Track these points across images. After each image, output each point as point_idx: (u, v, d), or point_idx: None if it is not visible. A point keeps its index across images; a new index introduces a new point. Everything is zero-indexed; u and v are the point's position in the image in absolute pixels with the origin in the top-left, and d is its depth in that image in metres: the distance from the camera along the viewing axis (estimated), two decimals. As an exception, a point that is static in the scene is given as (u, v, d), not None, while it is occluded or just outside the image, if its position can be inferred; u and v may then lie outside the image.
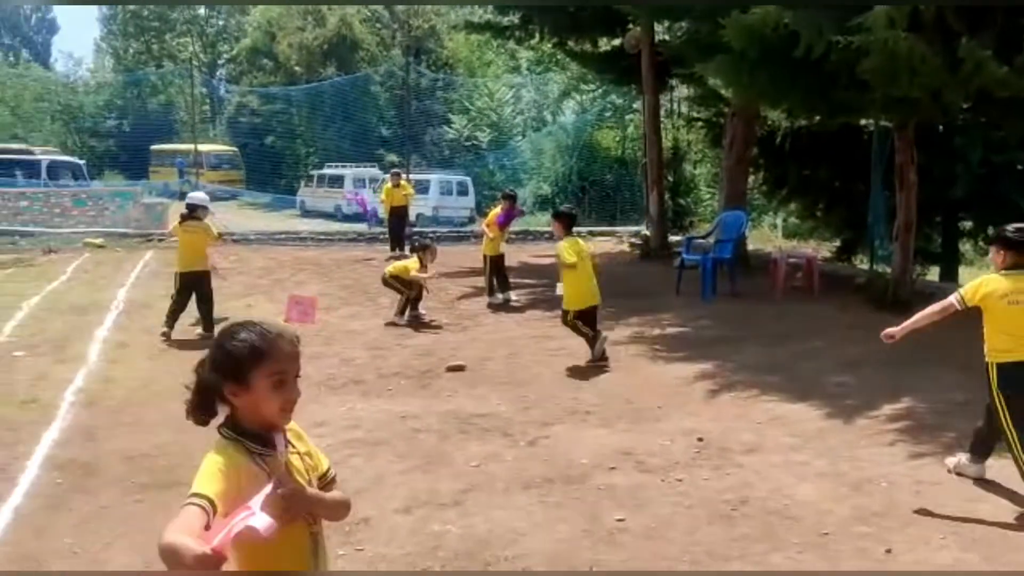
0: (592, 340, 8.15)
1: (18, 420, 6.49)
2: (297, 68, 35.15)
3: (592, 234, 20.98)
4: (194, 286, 9.31)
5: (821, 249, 17.53)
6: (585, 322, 8.19)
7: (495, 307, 11.29)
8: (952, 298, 5.11)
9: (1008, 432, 4.85)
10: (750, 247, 16.30)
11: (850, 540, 4.46)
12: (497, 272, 11.69)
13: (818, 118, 12.52)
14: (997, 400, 4.92)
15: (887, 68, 8.13)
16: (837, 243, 17.49)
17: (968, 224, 16.50)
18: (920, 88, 8.49)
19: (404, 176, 18.65)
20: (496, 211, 12.06)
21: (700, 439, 5.98)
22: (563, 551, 4.37)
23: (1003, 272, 5.03)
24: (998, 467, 5.43)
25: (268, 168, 31.91)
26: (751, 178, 16.42)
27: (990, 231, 16.46)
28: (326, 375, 7.82)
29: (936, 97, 8.80)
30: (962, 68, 8.03)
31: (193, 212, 9.60)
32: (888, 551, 4.33)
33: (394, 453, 5.73)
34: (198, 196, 10.10)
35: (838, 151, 14.34)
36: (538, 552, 4.35)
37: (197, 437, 5.97)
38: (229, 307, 11.01)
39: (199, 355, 6.82)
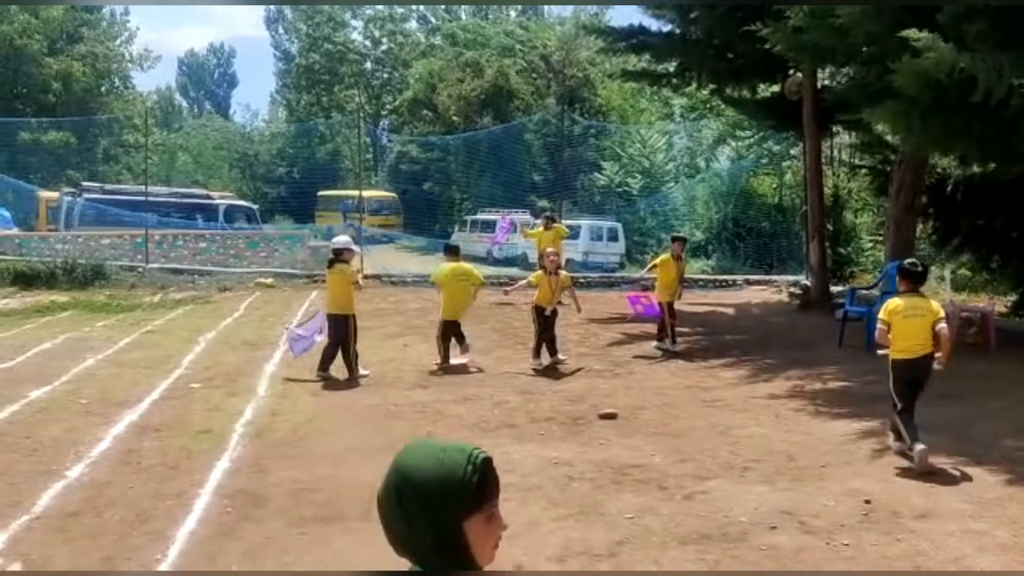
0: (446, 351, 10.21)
1: (193, 449, 6.89)
2: (455, 118, 36.26)
3: (748, 282, 20.52)
4: (336, 327, 9.51)
5: (996, 303, 16.48)
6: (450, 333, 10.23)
7: (661, 354, 11.10)
8: (880, 326, 6.80)
9: (895, 400, 6.77)
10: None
11: (1040, 621, 4.12)
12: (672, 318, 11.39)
13: (994, 165, 11.86)
14: (895, 390, 6.80)
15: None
16: (1014, 297, 16.39)
17: None
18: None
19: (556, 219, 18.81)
20: (666, 256, 11.59)
21: (867, 501, 5.68)
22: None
23: (901, 294, 6.85)
24: None
25: (425, 213, 32.93)
26: (919, 228, 15.65)
27: None
28: (479, 417, 7.92)
29: None
30: None
31: (340, 255, 9.81)
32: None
33: (548, 500, 5.72)
34: (341, 240, 10.32)
35: (1016, 200, 13.50)
36: (696, 611, 4.23)
37: (354, 472, 6.20)
38: (386, 346, 11.40)
39: (359, 392, 7.07)
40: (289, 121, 52.06)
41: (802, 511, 5.49)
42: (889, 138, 14.08)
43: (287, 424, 7.69)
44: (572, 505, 5.63)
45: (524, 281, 11.19)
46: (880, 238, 20.56)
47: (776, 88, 16.22)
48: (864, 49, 10.43)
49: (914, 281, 6.80)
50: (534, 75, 38.64)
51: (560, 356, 10.17)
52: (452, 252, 11.05)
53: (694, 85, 17.17)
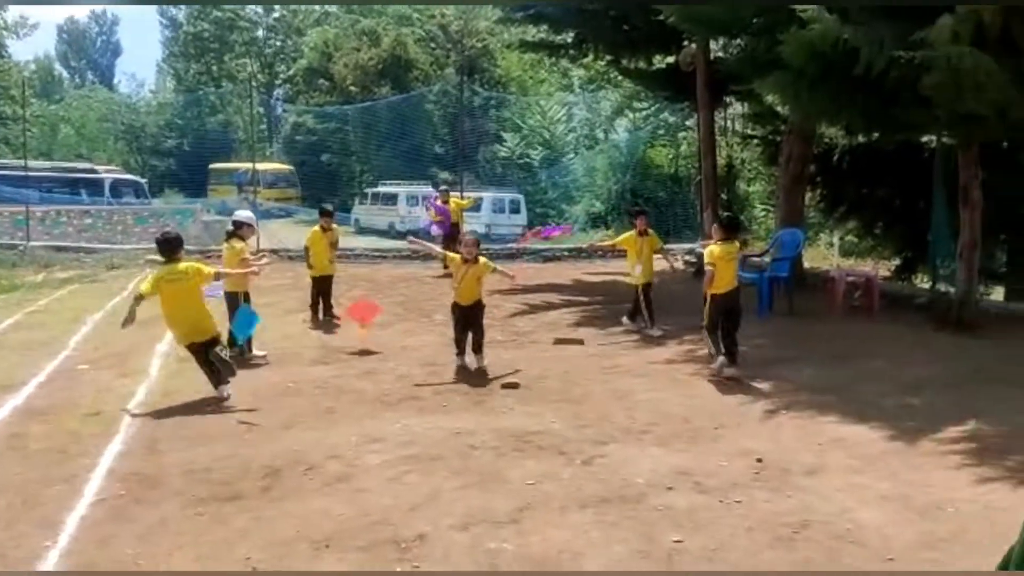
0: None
1: (82, 432, 6.63)
2: (352, 88, 35.64)
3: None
4: (229, 305, 9.24)
5: (880, 268, 17.21)
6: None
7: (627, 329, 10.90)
8: (708, 268, 8.26)
9: (709, 327, 8.42)
10: (806, 265, 16.05)
11: (916, 566, 4.35)
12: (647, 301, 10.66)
13: (877, 135, 12.33)
14: (710, 316, 8.39)
15: (951, 84, 7.98)
16: (897, 262, 17.16)
17: (1034, 242, 16.07)
18: (986, 104, 8.32)
19: (456, 192, 18.74)
20: (629, 234, 10.80)
21: (759, 460, 5.88)
22: (620, 572, 4.32)
23: (719, 242, 8.40)
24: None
25: (323, 186, 32.36)
26: (808, 196, 16.19)
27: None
28: (381, 391, 7.86)
29: (1002, 113, 8.60)
30: (1029, 83, 7.86)
31: (237, 230, 9.39)
32: (957, 578, 4.21)
33: (450, 470, 5.73)
34: (242, 214, 9.93)
35: (898, 168, 14.10)
36: (595, 572, 4.31)
37: (253, 451, 6.08)
38: (285, 322, 11.19)
39: (257, 370, 6.93)
40: (177, 91, 50.28)
41: (697, 471, 5.65)
42: (779, 109, 14.48)
43: (182, 404, 7.47)
44: (474, 474, 5.66)
45: (439, 252, 10.53)
46: (772, 206, 21.24)
47: (671, 60, 16.46)
48: (754, 21, 10.67)
49: (729, 231, 8.53)
50: (433, 45, 38.27)
51: (484, 360, 8.81)
52: (325, 215, 11.75)
53: (591, 56, 17.27)
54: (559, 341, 10.14)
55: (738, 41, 13.10)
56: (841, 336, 10.24)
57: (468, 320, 8.86)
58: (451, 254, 9.21)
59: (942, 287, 12.24)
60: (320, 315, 11.36)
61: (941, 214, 12.13)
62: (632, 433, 6.59)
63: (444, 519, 4.92)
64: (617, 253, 20.67)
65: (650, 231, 10.65)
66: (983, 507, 5.11)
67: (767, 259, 12.38)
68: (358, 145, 34.22)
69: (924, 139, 13.33)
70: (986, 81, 7.90)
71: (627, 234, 10.83)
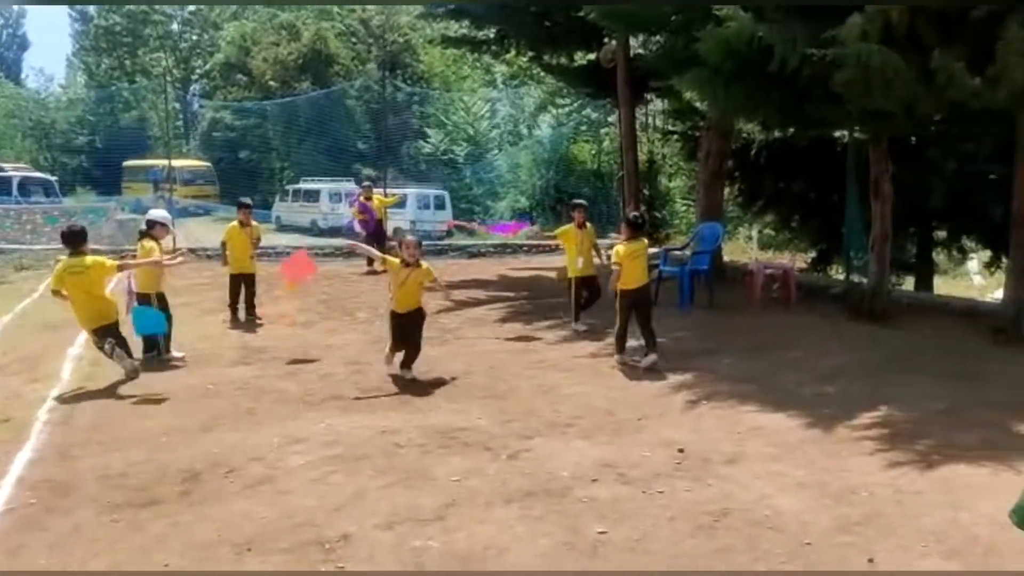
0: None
1: (-10, 440, 6.38)
2: (272, 83, 35.02)
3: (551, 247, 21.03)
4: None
5: (797, 260, 17.67)
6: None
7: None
8: (614, 267, 8.57)
9: (621, 323, 8.71)
10: (726, 259, 16.39)
11: (833, 550, 4.47)
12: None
13: (792, 131, 12.63)
14: (622, 312, 8.66)
15: (861, 81, 8.21)
16: (813, 254, 17.66)
17: (942, 234, 16.71)
18: (894, 101, 8.59)
19: (380, 189, 18.59)
20: (568, 226, 10.63)
21: (681, 450, 5.98)
22: (545, 565, 4.34)
23: (625, 241, 8.65)
24: (979, 476, 5.49)
25: (242, 183, 31.67)
26: (727, 190, 16.53)
27: (964, 241, 16.74)
28: (305, 391, 7.75)
29: (910, 110, 8.89)
30: (935, 80, 8.13)
31: (150, 229, 9.03)
32: (871, 560, 4.34)
33: (374, 469, 5.68)
34: (157, 213, 9.52)
35: (813, 163, 14.50)
36: (520, 566, 4.32)
37: (170, 455, 5.93)
38: (204, 322, 10.94)
39: (169, 375, 6.78)
40: (89, 86, 48.66)
41: (621, 463, 5.71)
42: (697, 105, 14.73)
43: (95, 409, 7.24)
44: (400, 472, 5.61)
45: (379, 254, 9.15)
46: (692, 201, 21.61)
47: (592, 56, 16.59)
48: (672, 18, 10.81)
49: (635, 229, 8.74)
50: (354, 39, 37.84)
51: (411, 374, 8.12)
52: (243, 209, 11.55)
53: (513, 52, 17.31)
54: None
55: (657, 38, 13.27)
56: (760, 327, 10.47)
57: (406, 330, 8.16)
58: (390, 258, 8.48)
59: (856, 278, 12.61)
60: (241, 315, 11.12)
61: (854, 207, 12.50)
62: (557, 427, 6.63)
63: (369, 518, 4.88)
64: (544, 249, 20.85)
65: (588, 224, 10.56)
66: (895, 491, 5.28)
67: (688, 253, 12.59)
68: (278, 141, 33.65)
69: (837, 134, 13.72)
70: (894, 78, 8.15)
71: (567, 227, 10.70)
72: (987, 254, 17.65)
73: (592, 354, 9.23)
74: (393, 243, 19.26)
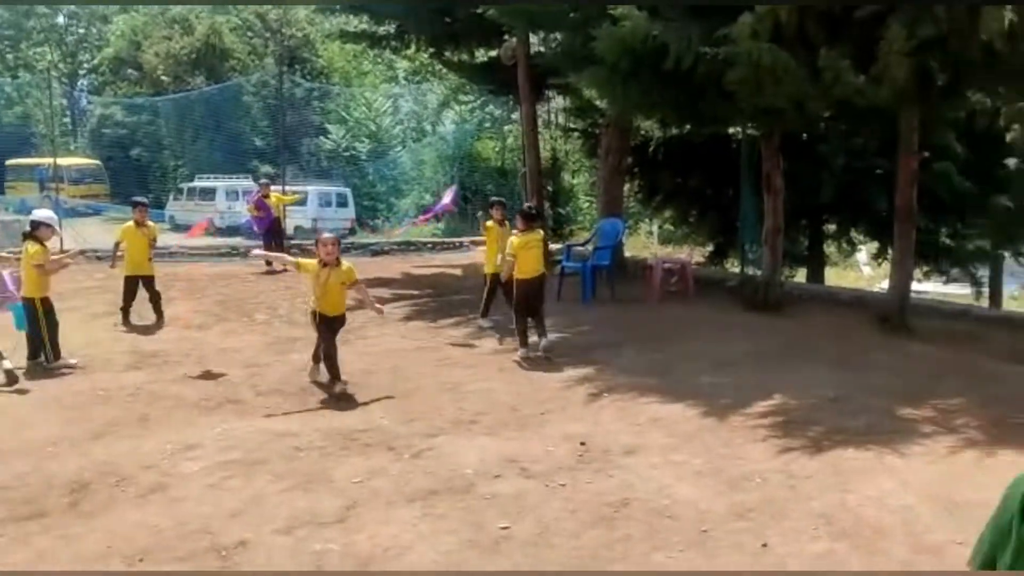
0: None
1: None
2: (164, 78, 33.92)
3: (475, 243, 21.04)
4: (26, 312, 8.47)
5: (695, 254, 18.07)
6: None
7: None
8: (508, 258, 8.85)
9: (517, 311, 8.92)
10: (628, 254, 16.65)
11: (728, 536, 4.58)
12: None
13: (689, 127, 12.91)
14: (517, 300, 8.86)
15: (752, 79, 8.44)
16: (710, 248, 18.08)
17: (832, 227, 17.34)
18: (784, 98, 8.86)
19: (279, 187, 18.21)
20: (489, 223, 10.73)
21: (583, 443, 6.04)
22: (447, 563, 4.33)
23: (520, 232, 8.81)
24: (865, 460, 5.71)
25: (134, 181, 30.60)
26: (627, 186, 16.78)
27: (853, 233, 17.42)
28: (200, 396, 7.53)
29: (799, 106, 9.19)
30: (822, 78, 8.42)
31: (34, 231, 8.62)
32: (764, 545, 4.47)
33: (273, 473, 5.56)
34: (41, 213, 9.12)
35: (709, 159, 14.84)
36: (422, 566, 4.30)
37: (59, 465, 5.68)
38: (94, 327, 10.52)
39: (57, 382, 6.46)
40: (-32, 82, 46.21)
41: (524, 458, 5.74)
42: (597, 102, 14.91)
43: (-25, 419, 6.89)
44: (299, 475, 5.51)
45: (291, 260, 8.51)
46: (595, 197, 21.85)
47: (494, 53, 16.60)
48: (570, 16, 10.91)
49: (529, 221, 8.90)
50: (250, 33, 36.96)
51: (344, 384, 7.54)
52: (139, 208, 11.09)
53: (413, 48, 17.17)
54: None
55: (556, 36, 13.37)
56: (659, 320, 10.66)
57: (332, 334, 7.67)
58: (304, 261, 7.87)
59: (750, 270, 12.98)
60: (135, 318, 10.71)
61: (748, 202, 12.86)
62: (461, 424, 6.62)
63: (267, 524, 4.78)
64: (447, 246, 20.82)
65: (507, 222, 10.53)
66: (787, 476, 5.46)
67: (590, 248, 12.74)
68: (172, 138, 32.58)
69: (732, 131, 14.09)
70: (783, 76, 8.40)
71: (490, 223, 10.78)
72: (875, 246, 18.41)
73: (496, 350, 9.25)
74: (294, 242, 18.96)
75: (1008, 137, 13.13)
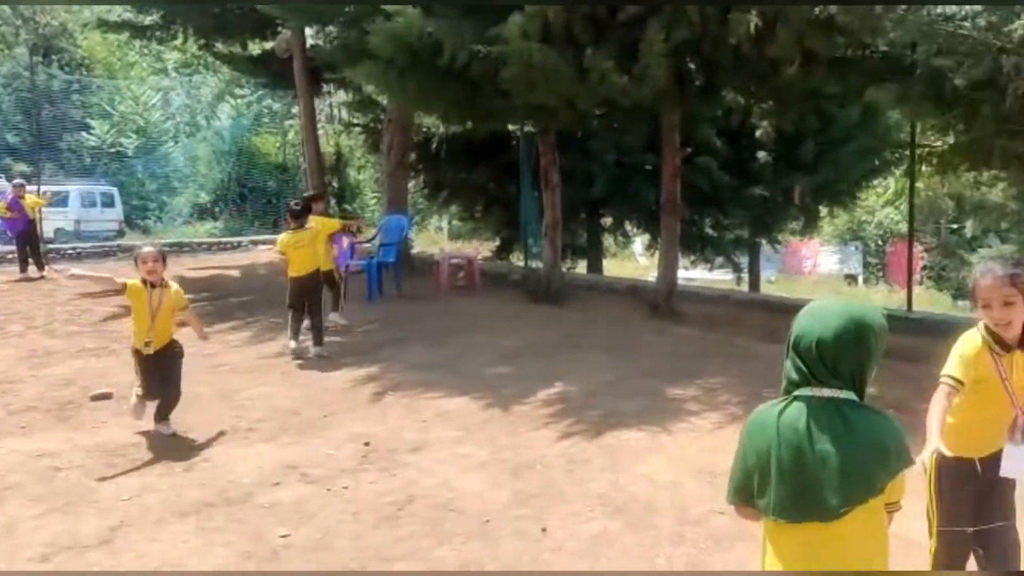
0: None
1: None
2: None
3: (255, 243, 20.38)
4: None
5: (482, 249, 18.39)
6: None
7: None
8: (279, 255, 8.84)
9: (290, 308, 8.84)
10: (417, 250, 16.69)
11: (509, 524, 4.67)
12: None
13: (470, 124, 13.08)
14: (290, 298, 8.78)
15: (524, 77, 8.65)
16: (497, 242, 18.46)
17: (608, 220, 18.18)
18: (555, 96, 9.14)
19: (36, 187, 16.76)
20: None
21: (367, 443, 5.97)
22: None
23: (291, 230, 8.71)
24: (638, 440, 6.00)
25: None
26: (412, 182, 16.79)
27: (627, 225, 18.33)
28: (-58, 417, 6.80)
29: (570, 104, 9.52)
30: (589, 78, 8.76)
31: None
32: (544, 530, 4.59)
33: (28, 497, 5.11)
34: None
35: (491, 155, 15.14)
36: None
37: None
38: None
39: None
40: None
41: (305, 463, 5.60)
42: (378, 97, 14.80)
43: None
44: (59, 498, 5.09)
45: (107, 276, 6.77)
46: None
47: (269, 45, 16.08)
48: (346, 9, 10.74)
49: (296, 218, 8.76)
50: (-2, 21, 33.81)
51: (169, 425, 6.34)
52: None
53: (182, 39, 16.31)
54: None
55: (331, 29, 13.13)
56: (446, 315, 10.74)
57: (164, 372, 6.28)
58: (131, 282, 6.16)
59: (534, 264, 13.36)
60: None
61: (528, 197, 13.23)
62: (239, 432, 6.37)
63: (22, 551, 4.39)
64: (225, 246, 19.99)
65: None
66: (567, 460, 5.64)
67: (374, 244, 12.63)
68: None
69: (511, 128, 14.41)
70: (553, 75, 8.68)
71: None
72: (647, 237, 19.48)
73: (277, 353, 8.97)
74: (52, 246, 17.55)
75: (758, 133, 14.29)
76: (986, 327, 3.16)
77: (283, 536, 4.52)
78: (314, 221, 9.15)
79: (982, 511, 3.25)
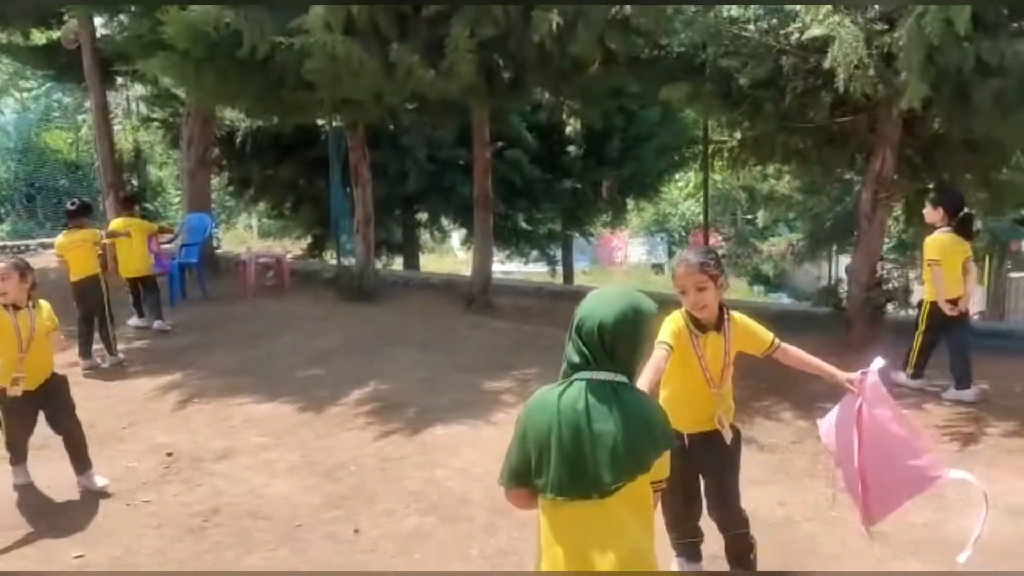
0: None
1: None
2: None
3: (44, 246, 18.96)
4: None
5: (294, 247, 17.92)
6: None
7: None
8: (57, 257, 8.64)
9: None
10: (225, 249, 16.04)
11: (321, 527, 4.60)
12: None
13: (275, 118, 12.69)
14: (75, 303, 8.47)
15: (329, 70, 8.47)
16: (308, 240, 18.03)
17: (424, 215, 18.15)
18: (362, 90, 9.01)
19: None
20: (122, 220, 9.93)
21: (169, 454, 5.71)
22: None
23: (67, 231, 8.58)
24: (452, 435, 6.04)
25: None
26: (216, 179, 16.12)
27: (443, 220, 18.37)
28: None
29: (378, 99, 9.41)
30: (396, 72, 8.69)
31: None
32: (356, 531, 4.54)
33: None
34: None
35: (299, 150, 14.75)
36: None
37: None
38: None
39: None
40: None
41: (104, 477, 5.27)
42: (176, 91, 14.11)
43: None
44: None
45: None
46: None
47: (56, 35, 14.96)
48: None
49: (74, 218, 8.59)
50: None
51: (100, 481, 5.21)
52: None
53: (-49, 26, 14.88)
54: None
55: (122, 18, 12.37)
56: (254, 316, 10.39)
57: (48, 409, 5.21)
58: None
59: (347, 261, 13.12)
60: None
61: (339, 193, 12.97)
62: (31, 449, 5.87)
63: None
64: (10, 250, 18.46)
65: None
66: (381, 459, 5.61)
67: (176, 245, 12.05)
68: None
69: (320, 122, 14.09)
70: (359, 69, 8.54)
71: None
72: (464, 232, 19.61)
73: (71, 363, 8.38)
74: None
75: (567, 129, 14.71)
76: (686, 311, 3.48)
77: (77, 557, 4.24)
78: (131, 223, 9.55)
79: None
